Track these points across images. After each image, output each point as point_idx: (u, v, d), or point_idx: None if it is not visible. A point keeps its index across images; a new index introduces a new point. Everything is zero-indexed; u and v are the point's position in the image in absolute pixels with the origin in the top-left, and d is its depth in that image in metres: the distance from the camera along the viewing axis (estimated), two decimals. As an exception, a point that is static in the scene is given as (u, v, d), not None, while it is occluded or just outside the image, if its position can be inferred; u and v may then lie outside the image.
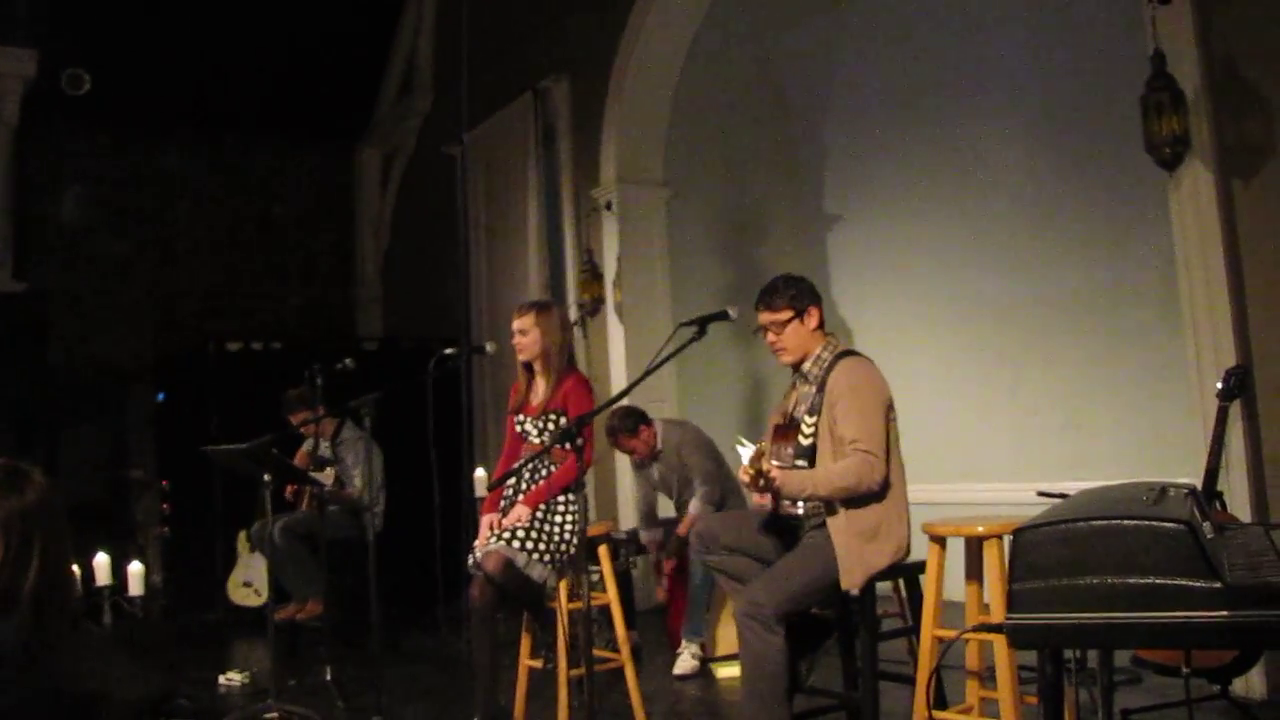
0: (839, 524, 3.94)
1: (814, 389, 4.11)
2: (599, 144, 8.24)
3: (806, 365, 4.17)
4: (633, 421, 6.43)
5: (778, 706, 3.89)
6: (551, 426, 4.74)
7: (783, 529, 4.19)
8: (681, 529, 6.28)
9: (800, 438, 4.08)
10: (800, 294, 4.15)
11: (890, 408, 4.05)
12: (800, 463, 4.04)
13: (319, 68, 10.69)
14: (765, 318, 4.17)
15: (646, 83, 8.09)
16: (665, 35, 7.97)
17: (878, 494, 3.95)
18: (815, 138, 8.79)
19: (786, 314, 4.13)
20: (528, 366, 4.91)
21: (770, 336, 4.19)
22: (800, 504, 4.15)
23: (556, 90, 8.66)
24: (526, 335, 4.82)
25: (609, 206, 8.10)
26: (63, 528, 2.42)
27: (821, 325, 4.20)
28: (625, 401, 6.19)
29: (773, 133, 8.94)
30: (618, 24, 8.04)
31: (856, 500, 3.93)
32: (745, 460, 3.82)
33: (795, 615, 3.99)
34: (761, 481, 3.79)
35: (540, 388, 4.85)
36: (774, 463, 3.97)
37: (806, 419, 4.08)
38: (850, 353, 4.16)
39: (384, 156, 12.04)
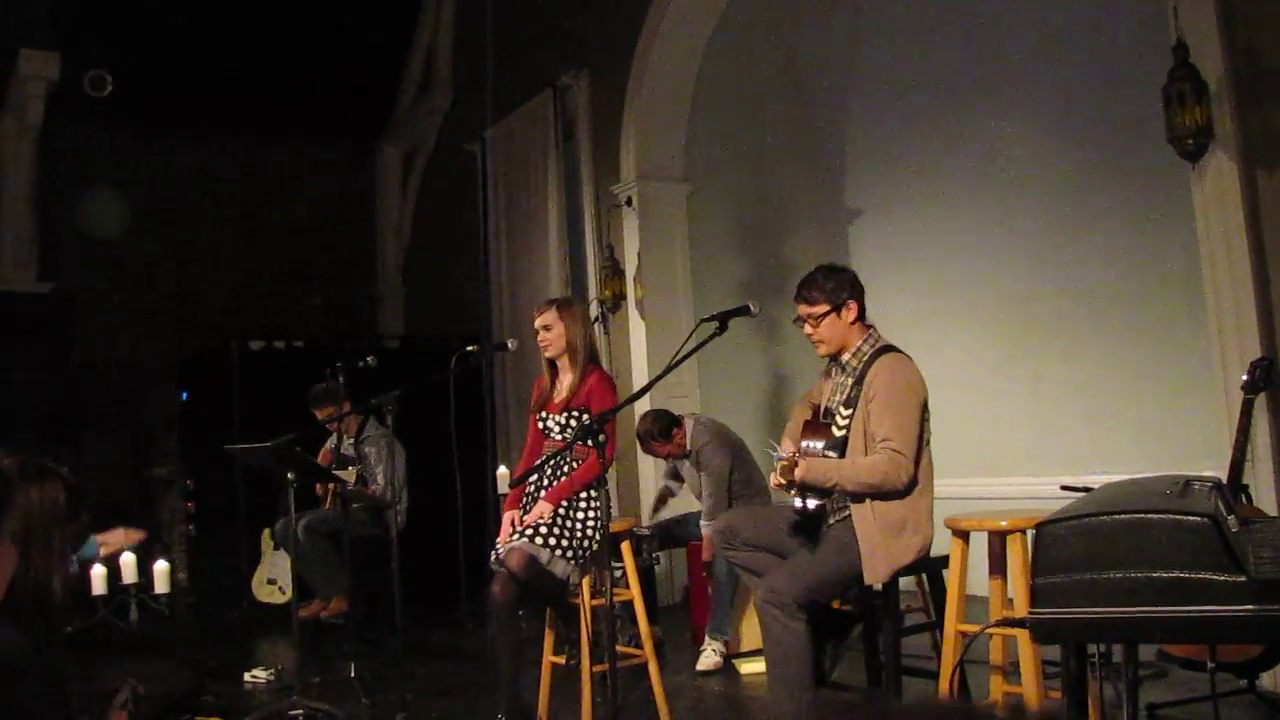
0: (866, 517, 3.93)
1: (851, 381, 4.10)
2: (619, 140, 8.23)
3: (845, 356, 4.15)
4: (664, 425, 6.40)
5: (803, 692, 3.89)
6: (574, 423, 4.74)
7: (805, 524, 4.19)
8: (705, 555, 6.28)
9: (834, 428, 4.06)
10: (839, 287, 4.13)
11: (926, 408, 4.04)
12: (830, 454, 4.03)
13: (339, 67, 10.72)
14: (802, 310, 4.17)
15: (666, 78, 8.08)
16: (685, 30, 7.96)
17: (904, 490, 3.94)
18: (836, 132, 8.77)
19: (823, 308, 4.12)
20: (551, 363, 4.91)
21: (807, 329, 4.19)
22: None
23: (576, 86, 8.66)
24: (550, 330, 4.81)
25: (629, 202, 8.10)
26: (51, 539, 2.39)
27: (862, 317, 4.18)
28: (648, 399, 6.20)
29: (793, 127, 8.92)
30: (637, 19, 8.03)
31: (884, 494, 3.93)
32: (777, 469, 3.86)
33: (816, 605, 3.99)
34: (793, 491, 3.86)
35: (564, 384, 4.85)
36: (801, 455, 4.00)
37: (842, 410, 4.07)
38: (891, 348, 4.14)
39: (404, 154, 12.06)
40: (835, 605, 4.43)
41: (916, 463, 3.95)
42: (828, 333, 4.15)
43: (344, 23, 10.39)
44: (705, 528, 6.23)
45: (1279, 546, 2.56)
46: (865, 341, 4.15)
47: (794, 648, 3.88)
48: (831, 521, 4.09)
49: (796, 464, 3.89)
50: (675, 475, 6.81)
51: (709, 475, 6.27)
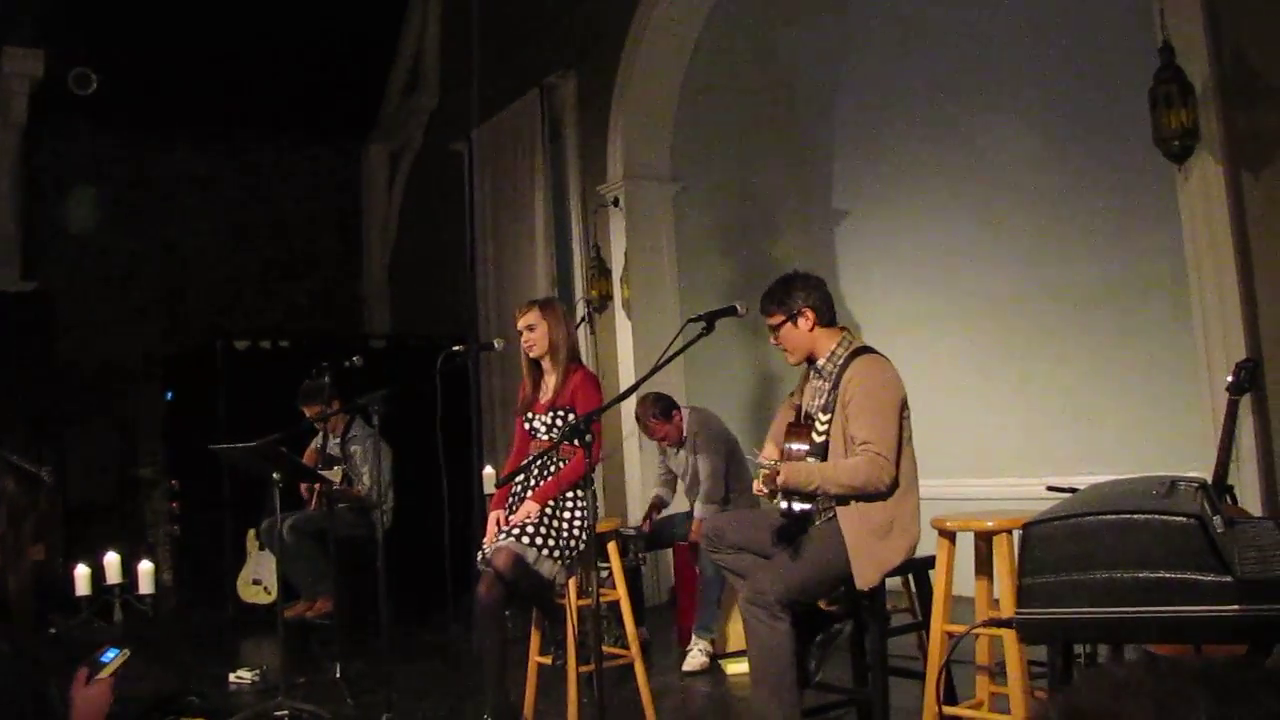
0: (851, 520, 3.93)
1: (828, 386, 4.10)
2: (606, 140, 8.23)
3: (821, 361, 4.16)
4: (664, 406, 6.45)
5: (786, 692, 3.88)
6: (560, 423, 4.75)
7: (790, 527, 4.18)
8: (693, 534, 6.28)
9: (814, 434, 4.07)
10: (790, 297, 4.14)
11: (904, 407, 4.05)
12: (811, 459, 4.03)
13: (325, 65, 10.69)
14: (766, 321, 4.21)
15: (653, 78, 8.08)
16: (672, 30, 7.96)
17: (888, 491, 3.94)
18: (822, 132, 8.78)
19: (778, 319, 4.15)
20: (534, 364, 4.91)
21: (772, 340, 4.23)
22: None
23: (563, 86, 8.65)
24: (534, 330, 4.82)
25: (616, 202, 8.09)
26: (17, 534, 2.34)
27: (827, 323, 4.17)
28: (634, 399, 6.21)
29: (780, 128, 8.93)
30: (624, 20, 8.03)
31: (868, 496, 3.93)
32: (760, 477, 3.87)
33: (800, 605, 3.99)
34: (777, 498, 3.87)
35: (549, 384, 4.85)
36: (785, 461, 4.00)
37: (821, 416, 4.07)
38: (865, 350, 4.14)
39: (391, 154, 12.04)
40: (821, 606, 4.42)
41: (897, 463, 3.95)
42: (788, 342, 4.17)
43: (331, 22, 10.37)
44: (700, 509, 6.25)
45: (1264, 547, 2.57)
46: (839, 345, 4.15)
47: (777, 648, 3.87)
48: (817, 523, 4.09)
49: (779, 471, 3.89)
50: (668, 483, 6.81)
51: (706, 459, 6.30)
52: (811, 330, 4.14)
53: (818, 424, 4.07)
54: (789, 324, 4.13)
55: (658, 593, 7.73)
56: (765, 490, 3.89)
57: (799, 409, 4.29)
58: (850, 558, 3.91)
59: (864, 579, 3.92)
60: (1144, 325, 6.67)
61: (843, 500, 3.95)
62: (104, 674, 2.48)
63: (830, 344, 4.15)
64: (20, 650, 2.24)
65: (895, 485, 3.95)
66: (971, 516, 4.00)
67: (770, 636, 3.87)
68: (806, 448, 4.05)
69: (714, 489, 6.24)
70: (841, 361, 4.09)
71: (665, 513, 6.90)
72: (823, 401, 4.10)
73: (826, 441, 4.03)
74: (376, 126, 12.06)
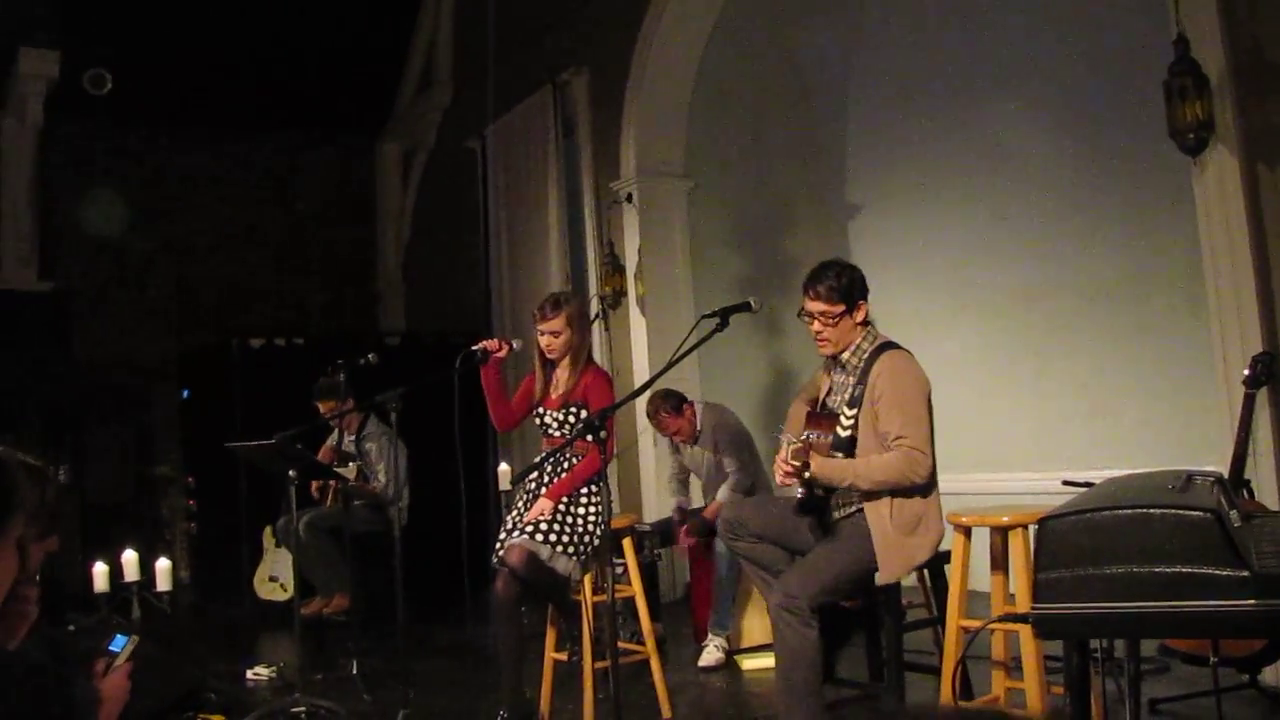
0: (881, 515, 3.90)
1: (853, 380, 4.06)
2: (619, 136, 8.22)
3: (845, 355, 4.11)
4: (675, 401, 6.44)
5: (811, 699, 3.87)
6: (572, 419, 4.75)
7: (812, 518, 4.17)
8: (709, 512, 6.26)
9: (839, 429, 4.04)
10: (854, 286, 4.07)
11: (930, 402, 4.03)
12: (837, 454, 4.01)
13: (339, 63, 10.71)
14: (815, 306, 4.07)
15: (667, 74, 8.07)
16: (685, 26, 7.95)
17: (923, 486, 3.92)
18: (836, 127, 8.76)
19: (839, 307, 4.05)
20: (550, 362, 4.89)
21: (816, 325, 4.10)
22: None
23: (576, 83, 8.65)
24: (559, 336, 4.77)
25: (630, 199, 8.09)
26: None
27: (867, 319, 4.16)
28: (648, 395, 6.20)
29: (794, 123, 8.91)
30: (637, 15, 8.02)
31: (900, 491, 3.91)
32: (787, 453, 3.83)
33: (828, 605, 3.98)
34: (806, 475, 3.82)
35: (561, 380, 4.84)
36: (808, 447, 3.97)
37: (846, 410, 4.04)
38: (891, 345, 4.12)
39: (404, 151, 12.05)
40: (842, 604, 4.42)
41: (932, 458, 3.94)
42: (837, 333, 4.07)
43: (344, 20, 10.38)
44: (724, 492, 6.24)
45: (1281, 541, 2.56)
46: (864, 339, 4.12)
47: (805, 654, 3.85)
48: (837, 517, 4.07)
49: (809, 446, 3.86)
50: (682, 482, 6.80)
51: (731, 454, 6.29)
52: (859, 324, 4.11)
53: (843, 419, 4.04)
54: (847, 314, 4.08)
55: (673, 588, 7.73)
56: (796, 465, 3.84)
57: (815, 400, 4.27)
58: (876, 552, 3.89)
59: (889, 574, 3.90)
60: (1159, 319, 6.65)
61: (873, 495, 3.93)
62: (119, 662, 2.50)
63: (858, 338, 4.12)
64: (51, 645, 2.26)
65: (933, 477, 3.94)
66: (987, 512, 3.99)
67: (800, 643, 3.84)
68: (829, 437, 4.03)
69: (743, 479, 6.25)
70: (867, 356, 4.06)
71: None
72: (848, 396, 4.06)
73: (853, 436, 4.00)
74: (390, 124, 12.08)
